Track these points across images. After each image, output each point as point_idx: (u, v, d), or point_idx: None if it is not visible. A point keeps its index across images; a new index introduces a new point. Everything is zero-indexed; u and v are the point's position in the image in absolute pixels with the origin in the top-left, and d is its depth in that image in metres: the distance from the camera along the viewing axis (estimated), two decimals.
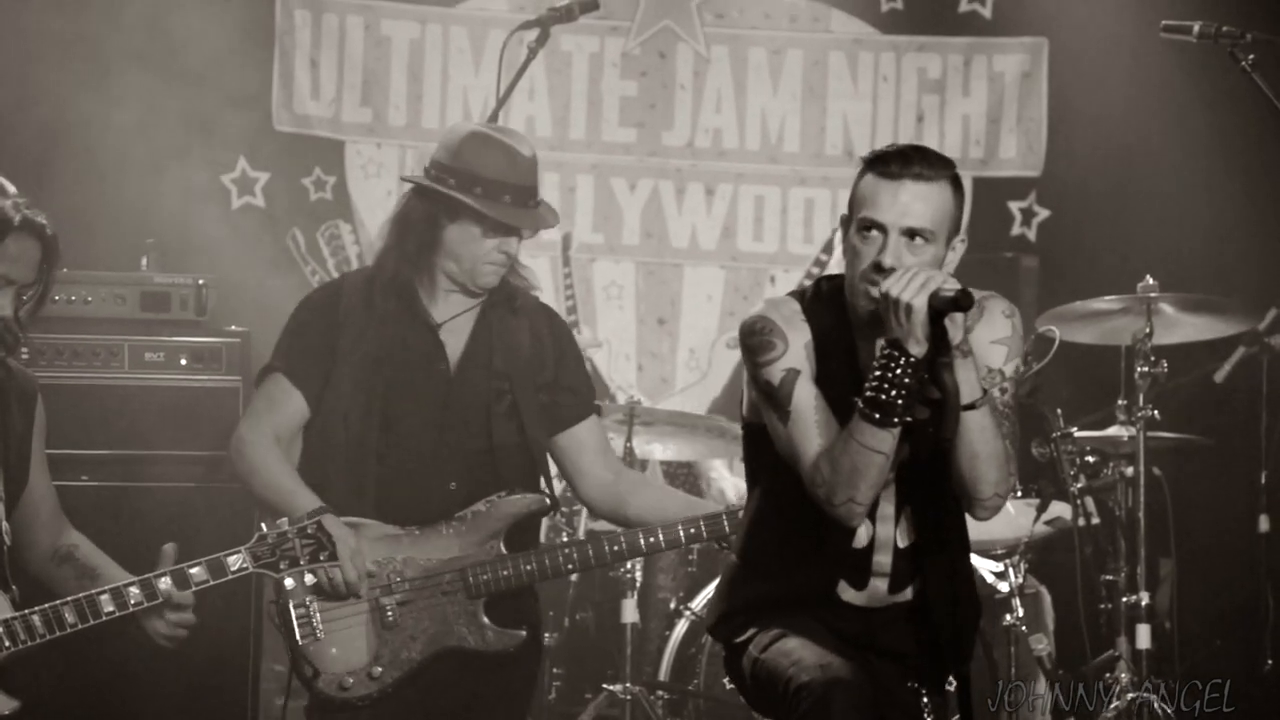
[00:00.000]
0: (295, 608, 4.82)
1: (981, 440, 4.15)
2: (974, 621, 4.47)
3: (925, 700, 4.43)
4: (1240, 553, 7.38)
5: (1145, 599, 6.80)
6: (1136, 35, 7.90)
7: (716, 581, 6.70)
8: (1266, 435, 7.19)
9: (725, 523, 5.05)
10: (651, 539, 5.05)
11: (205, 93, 7.73)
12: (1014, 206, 8.62)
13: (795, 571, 4.37)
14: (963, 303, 4.01)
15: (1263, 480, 7.17)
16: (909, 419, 4.08)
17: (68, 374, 5.93)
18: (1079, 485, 6.97)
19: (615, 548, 5.03)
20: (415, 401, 5.01)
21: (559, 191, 8.52)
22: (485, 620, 4.91)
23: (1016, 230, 8.62)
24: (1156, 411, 6.82)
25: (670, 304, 8.59)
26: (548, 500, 5.06)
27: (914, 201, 4.17)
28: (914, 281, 4.04)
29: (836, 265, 8.42)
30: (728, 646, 4.50)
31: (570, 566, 5.00)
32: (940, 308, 4.02)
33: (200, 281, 6.18)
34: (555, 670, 7.16)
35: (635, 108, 8.58)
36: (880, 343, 4.11)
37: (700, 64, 8.60)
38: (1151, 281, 6.84)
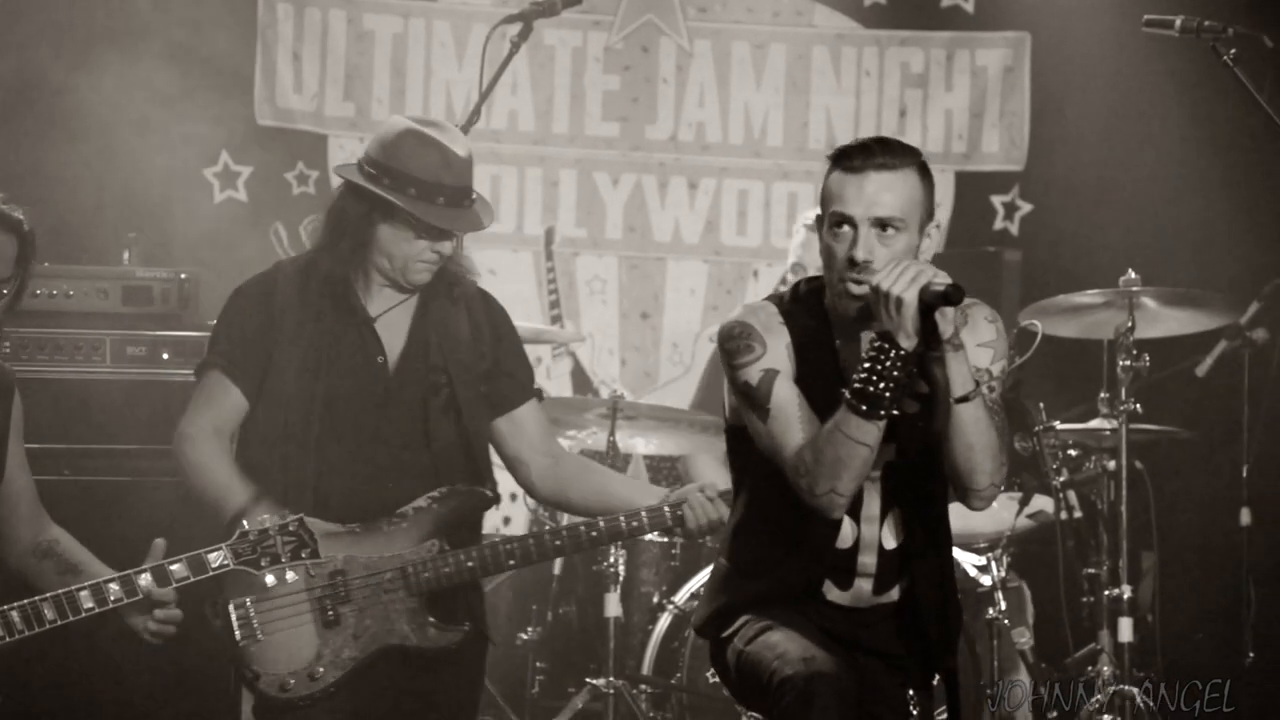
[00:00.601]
0: (235, 609, 4.78)
1: (976, 432, 4.16)
2: (959, 621, 4.48)
3: (911, 695, 4.44)
4: (1222, 546, 7.39)
5: (1127, 592, 6.81)
6: (1119, 29, 7.90)
7: (704, 583, 6.76)
8: (1248, 429, 7.20)
9: (667, 514, 5.02)
10: (594, 532, 5.02)
11: (187, 87, 7.71)
12: (997, 201, 8.64)
13: (781, 572, 4.38)
14: (953, 296, 4.01)
15: (1244, 474, 7.18)
16: (895, 412, 4.09)
17: (49, 368, 5.93)
18: (1061, 479, 6.99)
19: (557, 541, 5.01)
20: (354, 397, 4.98)
21: (542, 186, 8.52)
22: (427, 617, 4.88)
23: (999, 224, 8.63)
24: (1139, 405, 6.83)
25: (653, 298, 8.59)
26: (489, 495, 5.02)
27: (880, 192, 4.18)
28: (904, 275, 4.04)
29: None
30: (714, 641, 4.51)
31: (512, 561, 4.96)
32: (930, 301, 4.02)
33: (182, 276, 6.18)
34: (538, 664, 7.16)
35: (618, 102, 8.58)
36: (870, 335, 4.11)
37: (683, 58, 8.60)
38: (1134, 275, 6.85)
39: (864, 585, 4.38)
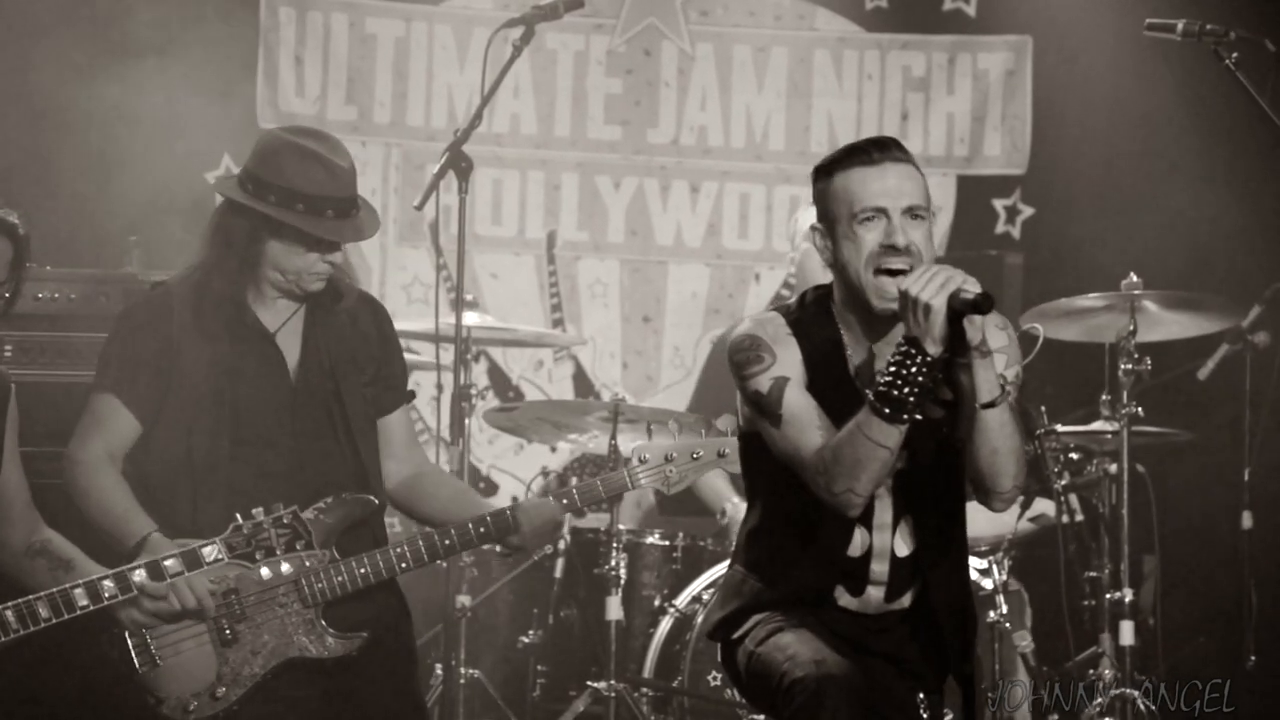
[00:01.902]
0: (131, 638, 4.75)
1: (1001, 436, 4.18)
2: (975, 627, 4.50)
3: (922, 700, 4.45)
4: (1224, 549, 7.39)
5: (1129, 596, 6.82)
6: (1120, 33, 7.90)
7: (706, 587, 6.77)
8: (1250, 432, 7.19)
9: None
10: (446, 540, 4.97)
11: (190, 90, 7.72)
12: (998, 204, 8.64)
13: (793, 578, 4.39)
14: (983, 305, 4.01)
15: (1246, 477, 7.17)
16: (918, 417, 4.09)
17: (51, 372, 5.91)
18: (1063, 482, 6.99)
19: (446, 541, 4.96)
20: (262, 411, 4.95)
21: (544, 189, 8.52)
22: (324, 626, 4.86)
23: (1001, 228, 8.63)
24: (1140, 408, 6.84)
25: (655, 302, 8.59)
26: (374, 501, 4.97)
27: (903, 181, 4.22)
28: (934, 281, 4.04)
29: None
30: (724, 644, 4.52)
31: (404, 565, 4.91)
32: (960, 309, 4.02)
33: None
34: (539, 667, 7.15)
35: (620, 105, 8.58)
36: (899, 339, 4.10)
37: (685, 62, 8.61)
38: (1135, 279, 6.86)
39: (875, 592, 4.39)
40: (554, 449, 8.23)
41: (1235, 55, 5.99)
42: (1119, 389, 6.85)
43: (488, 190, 8.47)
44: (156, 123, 7.66)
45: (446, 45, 8.46)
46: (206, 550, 4.46)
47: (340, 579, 4.86)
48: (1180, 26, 6.09)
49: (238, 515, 4.44)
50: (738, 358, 4.32)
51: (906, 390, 4.05)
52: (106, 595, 4.45)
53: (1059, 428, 7.02)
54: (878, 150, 4.23)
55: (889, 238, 4.19)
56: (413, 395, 5.30)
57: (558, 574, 7.13)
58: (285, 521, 4.48)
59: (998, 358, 4.28)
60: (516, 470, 8.36)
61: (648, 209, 8.59)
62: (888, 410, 4.06)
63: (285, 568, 4.53)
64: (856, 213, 4.21)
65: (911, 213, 4.20)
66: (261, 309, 4.99)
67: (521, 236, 8.54)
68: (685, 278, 8.61)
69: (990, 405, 4.12)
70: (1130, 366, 6.81)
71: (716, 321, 8.54)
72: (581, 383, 8.54)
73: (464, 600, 6.86)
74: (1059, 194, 8.56)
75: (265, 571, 4.54)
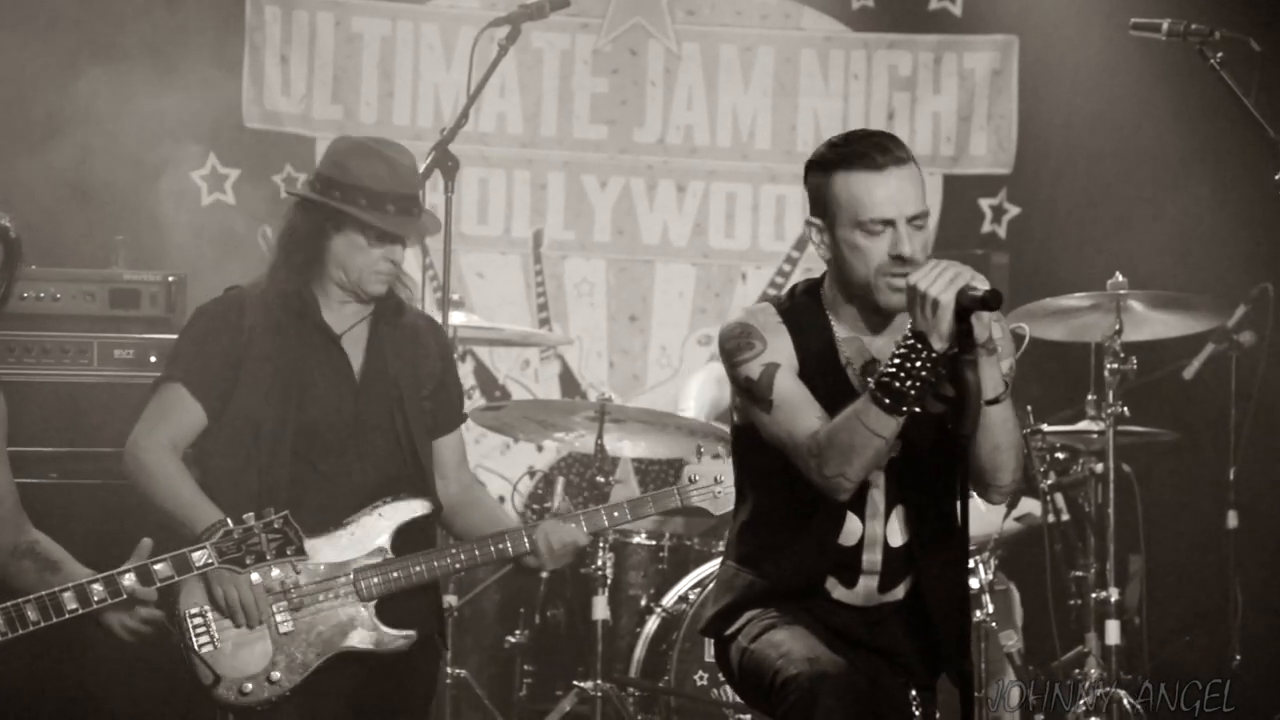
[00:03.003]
0: (192, 617, 4.84)
1: (1004, 432, 4.21)
2: (970, 622, 4.50)
3: (914, 696, 4.45)
4: (1209, 549, 7.41)
5: (1114, 595, 6.83)
6: (1106, 33, 7.92)
7: (694, 586, 6.77)
8: (1235, 431, 7.21)
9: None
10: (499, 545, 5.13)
11: (175, 89, 7.69)
12: (984, 204, 8.64)
13: (785, 568, 4.39)
14: (991, 302, 4.01)
15: (1231, 476, 7.19)
16: (918, 410, 4.10)
17: (37, 371, 5.92)
18: (1049, 482, 7.00)
19: (500, 545, 5.10)
20: (328, 410, 5.07)
21: (530, 188, 8.52)
22: (377, 622, 4.99)
23: (987, 227, 8.64)
24: (1126, 408, 6.86)
25: (641, 301, 8.59)
26: (429, 504, 5.12)
27: (906, 187, 4.22)
28: (942, 277, 4.04)
29: (808, 261, 8.44)
30: (718, 639, 4.52)
31: (458, 566, 5.10)
32: (968, 305, 4.01)
33: (170, 279, 6.18)
34: (526, 667, 7.15)
35: (606, 105, 8.57)
36: (903, 332, 4.10)
37: (671, 61, 8.60)
38: (1121, 279, 6.87)
39: (869, 583, 4.39)
40: (540, 448, 8.24)
41: (1220, 55, 6.01)
42: (1105, 389, 6.86)
43: (474, 189, 8.46)
44: (142, 122, 7.63)
45: (432, 44, 8.45)
46: (197, 555, 4.47)
47: (395, 575, 5.00)
48: (1165, 26, 6.10)
49: (228, 520, 4.49)
50: (729, 345, 4.33)
51: (909, 383, 4.06)
52: (95, 599, 4.45)
53: (1045, 427, 7.04)
54: (880, 154, 4.20)
55: (896, 248, 4.19)
56: (465, 418, 5.47)
57: (544, 574, 7.13)
58: (276, 526, 4.50)
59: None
60: (503, 469, 8.36)
61: (634, 208, 8.59)
62: (888, 401, 4.07)
63: (275, 573, 4.58)
64: (863, 221, 4.20)
65: (915, 221, 4.21)
66: (329, 313, 5.12)
67: (508, 236, 8.54)
68: (672, 277, 8.61)
69: (994, 401, 4.14)
70: (1116, 366, 6.82)
71: (703, 321, 8.54)
72: (568, 382, 8.54)
73: (451, 600, 6.86)
74: (1045, 193, 8.57)
75: (255, 576, 4.59)
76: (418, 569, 5.00)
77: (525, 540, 5.14)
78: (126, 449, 5.03)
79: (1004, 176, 8.65)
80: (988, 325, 4.09)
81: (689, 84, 8.60)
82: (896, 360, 4.08)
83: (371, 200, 5.01)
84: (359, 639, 4.96)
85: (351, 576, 4.96)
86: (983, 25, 8.62)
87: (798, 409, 4.24)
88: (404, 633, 5.02)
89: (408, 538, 5.06)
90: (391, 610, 5.02)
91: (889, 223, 4.19)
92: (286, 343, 5.06)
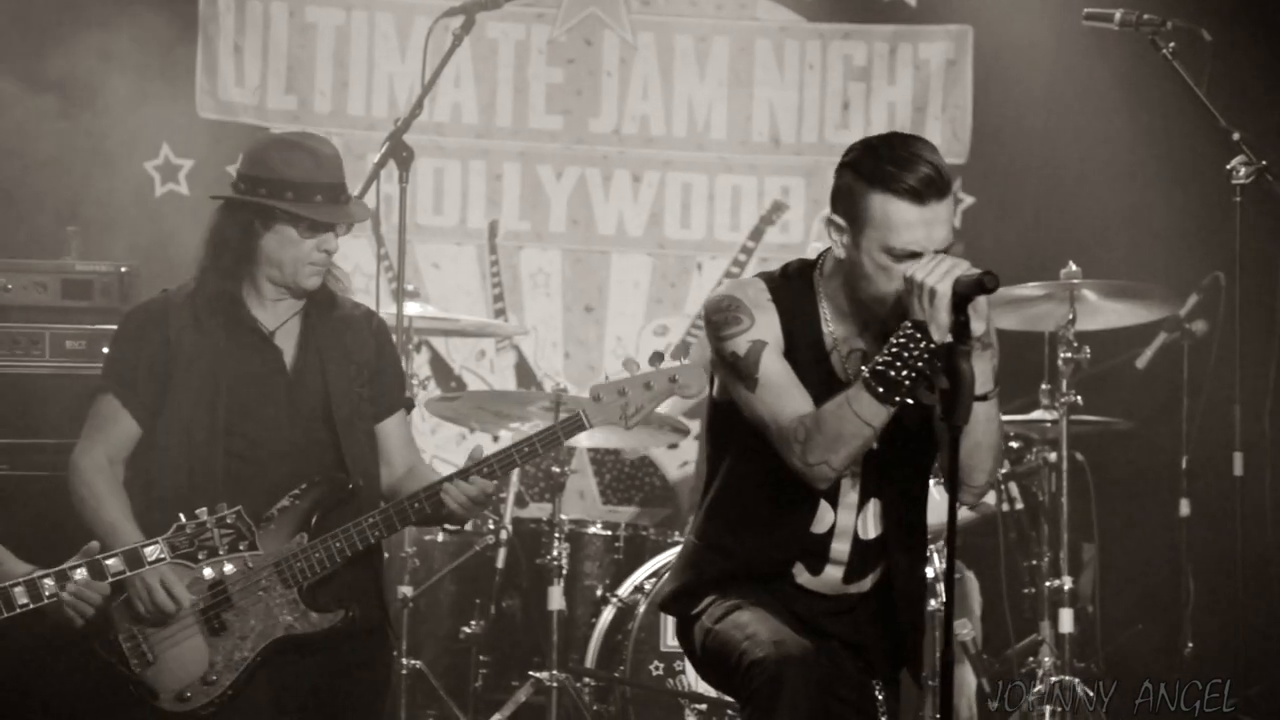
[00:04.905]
0: (124, 640, 4.85)
1: (986, 431, 4.22)
2: (923, 625, 4.52)
3: (876, 686, 4.46)
4: (1162, 537, 7.44)
5: (1068, 583, 6.87)
6: (1060, 23, 7.95)
7: (663, 566, 6.78)
8: (1187, 420, 7.24)
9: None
10: (416, 504, 5.01)
11: (128, 79, 7.66)
12: None
13: (752, 551, 4.39)
14: (987, 284, 4.02)
15: (1184, 465, 7.22)
16: (909, 401, 4.11)
17: None
18: (1003, 471, 7.03)
19: (416, 505, 5.00)
20: (260, 409, 5.06)
21: (485, 179, 8.50)
22: (306, 605, 4.96)
23: None
24: (1079, 397, 6.89)
25: (597, 291, 8.59)
26: (344, 479, 5.06)
27: (942, 225, 4.16)
28: (940, 268, 4.06)
29: (764, 251, 8.45)
30: (681, 619, 4.51)
31: (376, 534, 4.99)
32: (965, 292, 4.03)
33: (122, 269, 6.16)
34: (482, 658, 7.15)
35: (562, 95, 8.57)
36: (901, 322, 4.11)
37: (627, 51, 8.60)
38: (1074, 268, 6.90)
39: (834, 572, 4.40)
40: (496, 438, 8.20)
41: (1172, 45, 6.04)
42: (1058, 378, 6.89)
43: (429, 180, 8.45)
44: (94, 113, 7.60)
45: (387, 34, 8.43)
46: (149, 550, 4.46)
47: (318, 556, 4.95)
48: (1118, 16, 6.13)
49: (180, 515, 4.48)
50: (716, 318, 4.31)
51: (905, 372, 4.07)
52: (47, 594, 4.43)
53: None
54: (925, 187, 4.12)
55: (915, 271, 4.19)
56: (411, 404, 5.42)
57: (500, 564, 7.13)
58: (229, 521, 4.49)
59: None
60: (459, 460, 8.30)
61: (590, 198, 8.58)
62: (881, 389, 4.08)
63: (228, 568, 4.56)
64: (893, 249, 4.15)
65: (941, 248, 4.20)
66: (260, 310, 5.09)
67: (463, 226, 8.52)
68: (628, 267, 8.61)
69: (983, 398, 4.13)
70: (1069, 355, 6.85)
71: (659, 311, 8.54)
72: (524, 372, 8.53)
73: (405, 591, 6.86)
74: (999, 183, 8.60)
75: (208, 571, 4.57)
76: (338, 545, 4.94)
77: (441, 494, 5.00)
78: (69, 466, 5.03)
79: (959, 166, 8.65)
80: (984, 318, 4.12)
81: (644, 74, 8.60)
82: (894, 349, 4.09)
83: (298, 193, 4.98)
84: (290, 624, 4.93)
85: (276, 565, 4.93)
86: (937, 16, 8.64)
87: (783, 390, 4.24)
88: (335, 611, 4.98)
89: (331, 521, 5.00)
90: (322, 593, 4.98)
91: (917, 255, 4.17)
92: (215, 343, 5.04)
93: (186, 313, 5.06)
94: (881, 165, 4.17)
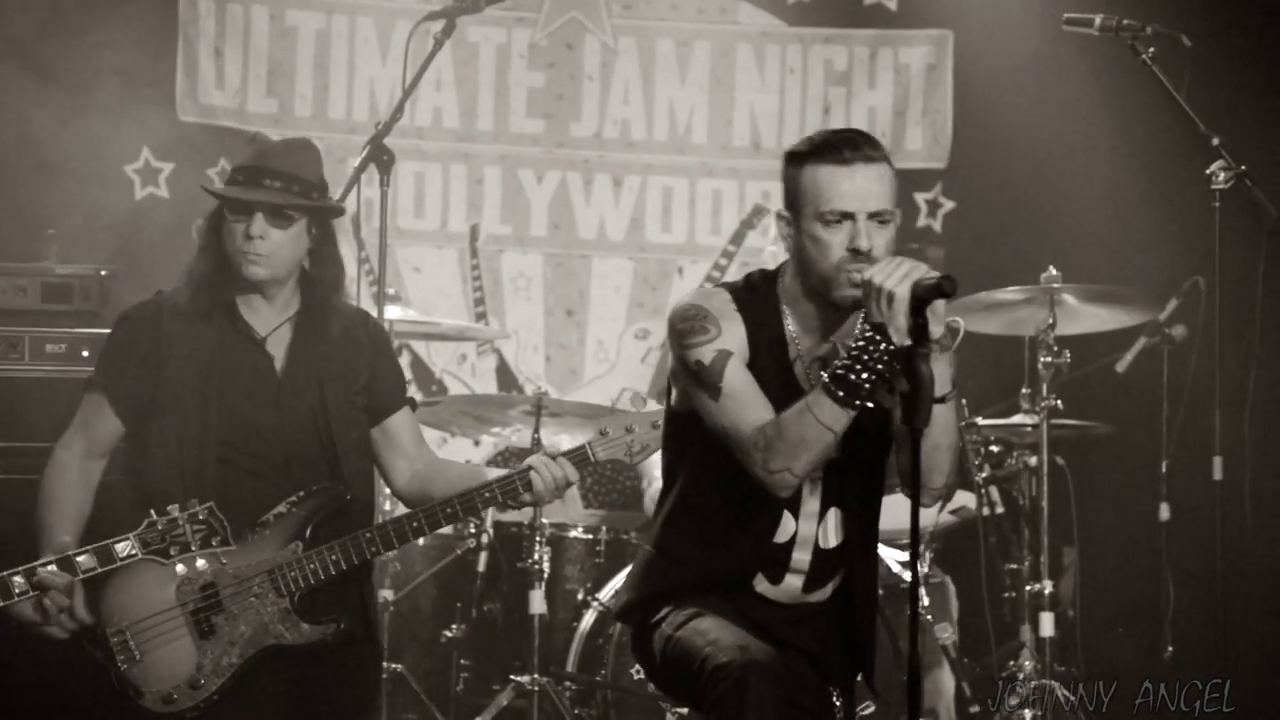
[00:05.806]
0: (113, 636, 4.83)
1: (944, 433, 4.23)
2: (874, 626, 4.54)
3: (834, 693, 4.47)
4: (1142, 541, 7.45)
5: (1049, 587, 6.87)
6: (1040, 28, 7.95)
7: (628, 571, 6.77)
8: (1167, 424, 7.25)
9: (516, 480, 5.00)
10: (448, 509, 5.00)
11: (108, 82, 7.65)
12: (920, 198, 8.67)
13: (713, 561, 4.40)
14: (945, 288, 4.04)
15: (1164, 469, 7.23)
16: (870, 405, 4.11)
17: None
18: (983, 475, 7.04)
19: (415, 523, 5.01)
20: (251, 416, 5.05)
21: (466, 183, 8.50)
22: (298, 615, 4.95)
23: (922, 221, 8.67)
24: (1059, 401, 6.90)
25: (578, 295, 8.59)
26: (342, 490, 5.06)
27: (872, 184, 4.21)
28: (898, 271, 4.06)
29: (745, 256, 8.45)
30: (638, 628, 4.51)
31: (374, 549, 4.98)
32: (923, 295, 4.04)
33: (102, 272, 6.15)
34: (463, 662, 7.14)
35: (543, 99, 8.57)
36: (857, 327, 4.13)
37: (608, 55, 8.60)
38: (1055, 272, 6.91)
39: (794, 581, 4.41)
40: (477, 443, 8.22)
41: (1152, 50, 6.06)
42: (1039, 382, 6.90)
43: (410, 183, 8.44)
44: (75, 115, 7.59)
45: (368, 38, 8.42)
46: (120, 546, 4.45)
47: (313, 567, 4.94)
48: (1098, 21, 6.14)
49: (152, 511, 4.47)
50: (681, 326, 4.31)
51: (865, 375, 4.07)
52: (17, 591, 4.43)
53: (979, 420, 7.08)
54: (849, 149, 4.21)
55: (853, 242, 4.20)
56: (414, 403, 5.39)
57: (481, 568, 7.12)
58: (201, 518, 4.48)
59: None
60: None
61: (571, 202, 8.58)
62: (841, 393, 4.08)
63: (200, 564, 4.55)
64: (823, 212, 4.21)
65: (878, 217, 4.22)
66: (252, 315, 5.09)
67: (444, 230, 8.52)
68: (609, 271, 8.61)
69: (941, 400, 4.14)
70: (1050, 359, 6.86)
71: (640, 315, 8.55)
72: (505, 376, 8.52)
73: (386, 594, 6.85)
74: (979, 188, 8.61)
75: (180, 568, 4.56)
76: (334, 557, 4.94)
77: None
78: (50, 453, 5.05)
79: (939, 171, 8.68)
80: (943, 320, 4.12)
81: (625, 78, 8.61)
82: (853, 353, 4.09)
83: (230, 177, 5.04)
84: (281, 633, 4.93)
85: (270, 573, 4.92)
86: (918, 20, 8.65)
87: (746, 401, 4.24)
88: (326, 623, 4.98)
89: (327, 531, 5.01)
90: (314, 604, 4.98)
91: (848, 215, 4.19)
92: (207, 347, 5.04)
93: (182, 313, 5.06)
94: (811, 144, 4.28)
